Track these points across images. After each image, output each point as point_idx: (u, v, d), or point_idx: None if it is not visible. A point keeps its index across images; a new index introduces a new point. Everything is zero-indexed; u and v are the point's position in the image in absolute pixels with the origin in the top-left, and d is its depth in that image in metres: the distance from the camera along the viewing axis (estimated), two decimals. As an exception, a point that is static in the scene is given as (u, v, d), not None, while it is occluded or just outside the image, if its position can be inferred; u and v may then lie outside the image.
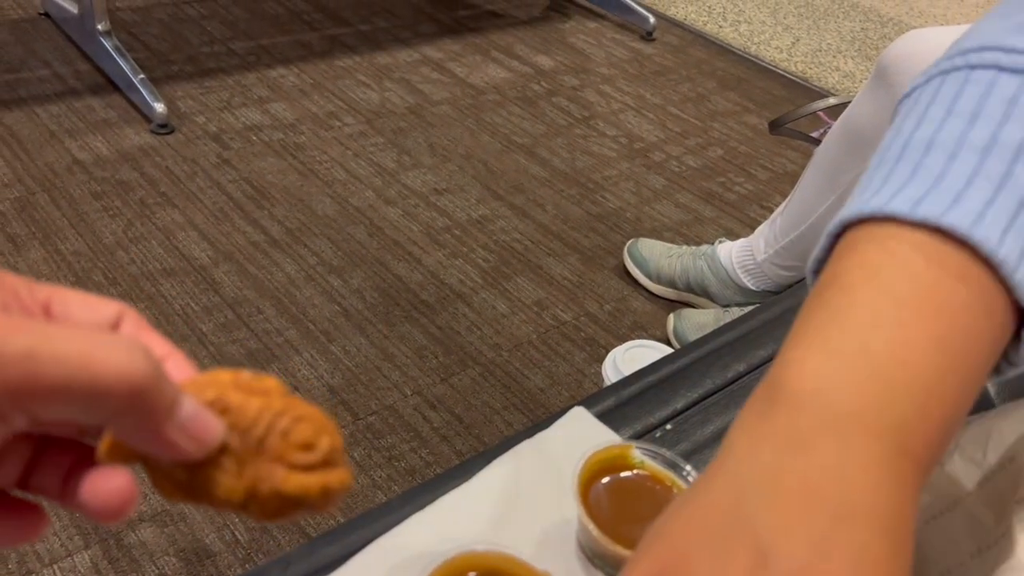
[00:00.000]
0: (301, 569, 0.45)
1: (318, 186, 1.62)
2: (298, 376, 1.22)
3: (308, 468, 0.25)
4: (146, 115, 1.69)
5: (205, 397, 0.24)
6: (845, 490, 0.25)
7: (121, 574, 0.94)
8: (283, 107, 1.83)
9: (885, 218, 0.30)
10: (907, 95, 0.37)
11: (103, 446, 0.23)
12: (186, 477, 0.24)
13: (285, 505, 0.25)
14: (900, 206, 0.29)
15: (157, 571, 0.95)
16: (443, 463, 1.14)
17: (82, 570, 0.94)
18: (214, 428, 0.24)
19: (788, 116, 1.45)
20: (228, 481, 0.24)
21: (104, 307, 0.26)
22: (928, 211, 0.29)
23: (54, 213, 1.43)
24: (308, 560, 0.46)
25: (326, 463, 0.26)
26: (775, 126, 1.47)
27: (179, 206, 1.50)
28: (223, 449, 0.24)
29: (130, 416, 0.21)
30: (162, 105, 1.67)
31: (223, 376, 0.25)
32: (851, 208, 0.31)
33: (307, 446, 0.25)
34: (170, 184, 1.55)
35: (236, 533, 1.00)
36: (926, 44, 1.09)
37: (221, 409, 0.24)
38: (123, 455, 0.23)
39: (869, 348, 0.27)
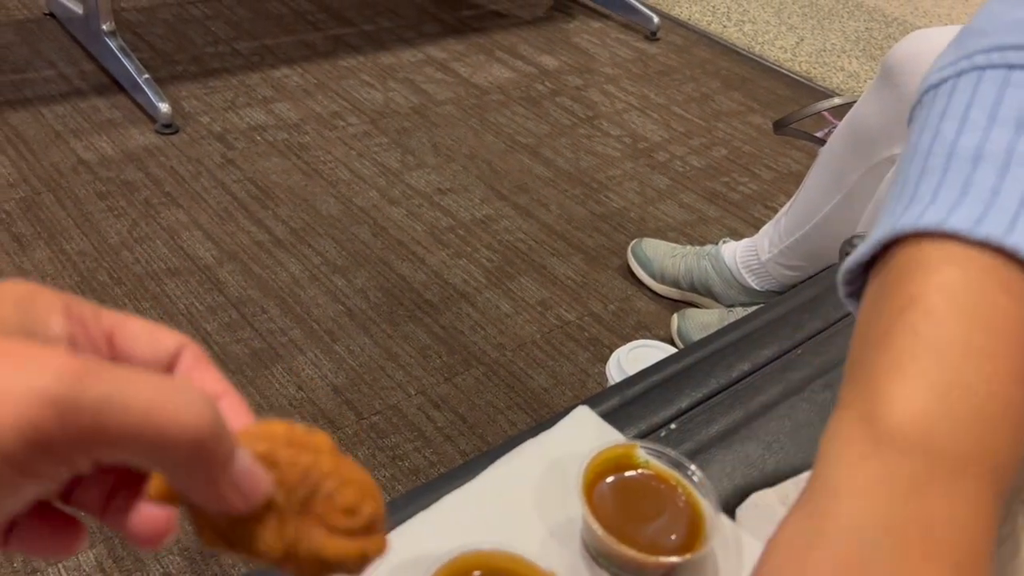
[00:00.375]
0: (306, 568, 0.45)
1: (322, 186, 1.62)
2: (302, 376, 1.22)
3: (349, 533, 0.26)
4: (151, 115, 1.69)
5: (256, 450, 0.24)
6: (962, 539, 0.26)
7: (126, 572, 0.95)
8: (287, 107, 1.83)
9: (944, 235, 0.29)
10: (932, 87, 0.35)
11: (154, 487, 0.23)
12: (228, 527, 0.24)
13: (322, 567, 0.25)
14: (961, 223, 0.29)
15: (161, 570, 0.95)
16: (447, 463, 1.14)
17: (87, 568, 0.94)
18: (263, 484, 0.24)
19: (792, 116, 1.44)
20: (269, 537, 0.24)
21: (166, 339, 0.26)
22: (991, 230, 0.29)
23: (59, 213, 1.43)
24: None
25: (367, 529, 0.26)
26: (779, 126, 1.47)
27: (183, 206, 1.50)
28: (268, 504, 0.24)
29: (187, 467, 0.21)
30: (167, 105, 1.67)
31: (276, 428, 0.25)
32: (904, 219, 0.31)
33: (350, 511, 0.26)
34: (175, 184, 1.55)
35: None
36: (931, 44, 1.09)
37: (270, 463, 0.24)
38: (171, 498, 0.23)
39: (967, 383, 0.28)
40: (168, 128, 1.68)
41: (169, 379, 0.21)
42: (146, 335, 0.25)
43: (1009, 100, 0.32)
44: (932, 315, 0.29)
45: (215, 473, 0.22)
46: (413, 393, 1.23)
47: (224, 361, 1.22)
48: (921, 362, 0.28)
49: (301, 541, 0.25)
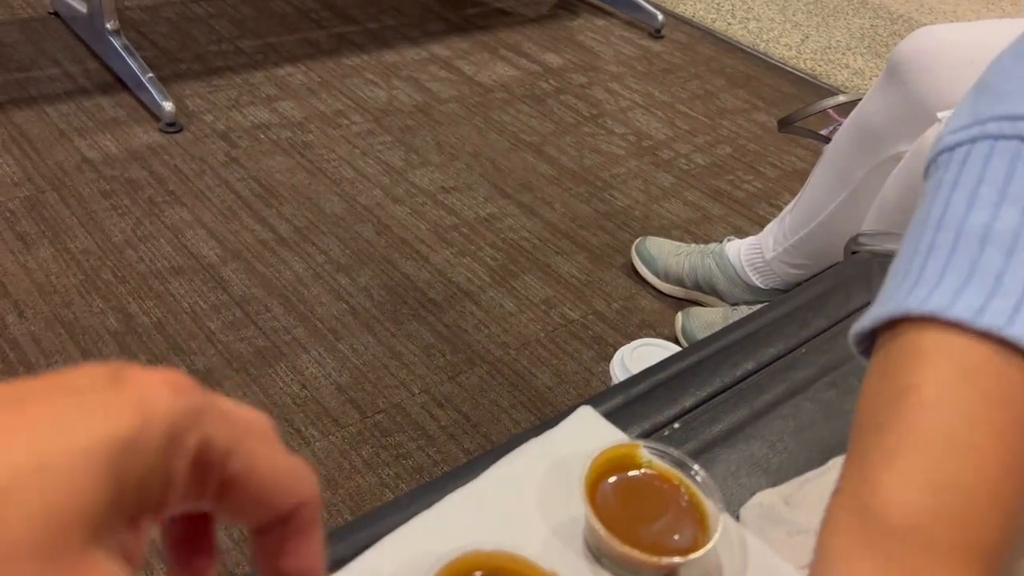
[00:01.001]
0: (307, 567, 0.45)
1: (326, 184, 1.62)
2: (306, 374, 1.22)
3: None
4: (155, 114, 1.69)
5: None
6: None
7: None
8: (291, 105, 1.83)
9: (947, 322, 0.31)
10: (946, 150, 0.36)
11: None
12: None
13: None
14: (963, 312, 0.30)
15: (166, 567, 0.95)
16: (450, 462, 1.14)
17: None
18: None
19: (797, 114, 1.44)
20: None
21: (285, 498, 0.23)
22: (992, 321, 0.30)
23: (63, 212, 1.44)
24: (315, 558, 0.46)
25: None
26: (784, 124, 1.46)
27: (187, 204, 1.50)
28: None
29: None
30: (171, 104, 1.67)
31: None
32: (910, 301, 0.32)
33: None
34: (179, 182, 1.55)
35: (244, 530, 1.00)
36: (938, 41, 1.08)
37: None
38: None
39: (958, 478, 0.29)
40: (172, 126, 1.68)
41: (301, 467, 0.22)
42: (264, 495, 0.21)
43: (1019, 176, 0.32)
44: (927, 408, 0.30)
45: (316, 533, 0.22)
46: (417, 392, 1.23)
47: (228, 360, 1.22)
48: (913, 455, 0.30)
49: None
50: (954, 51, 1.05)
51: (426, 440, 1.16)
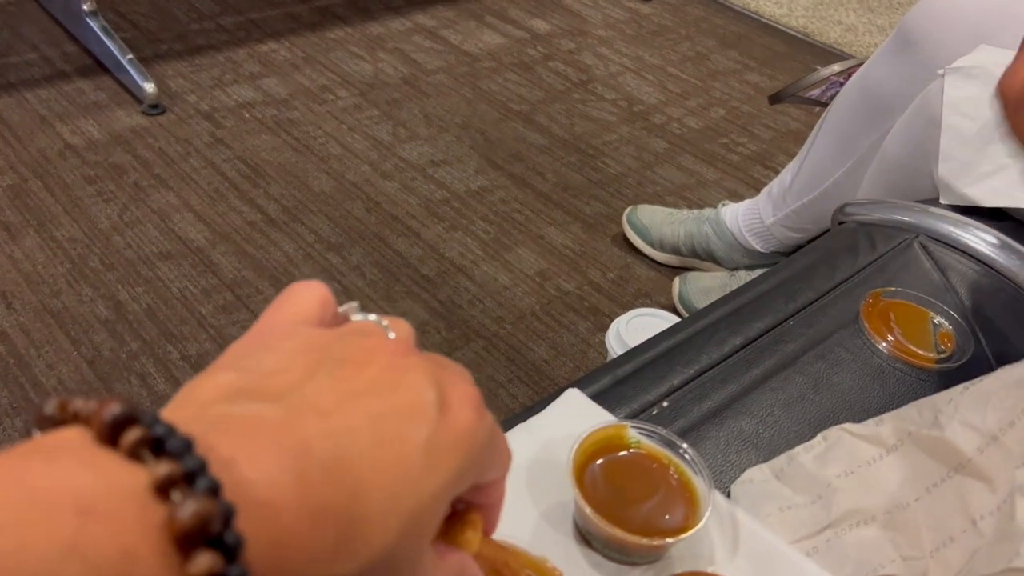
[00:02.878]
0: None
1: (313, 162, 1.60)
2: (299, 356, 1.21)
3: None
4: (136, 96, 1.67)
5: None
6: None
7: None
8: (275, 82, 1.80)
9: None
10: None
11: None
12: None
13: None
14: None
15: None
16: (447, 439, 1.13)
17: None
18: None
19: (787, 91, 1.40)
20: None
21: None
22: None
23: (48, 199, 1.42)
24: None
25: None
26: (775, 100, 1.42)
27: (174, 188, 1.49)
28: None
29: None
30: (152, 85, 1.64)
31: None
32: None
33: None
34: (164, 166, 1.53)
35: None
36: (948, 7, 1.05)
37: None
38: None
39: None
40: (155, 108, 1.65)
41: None
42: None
43: None
44: None
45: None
46: (411, 370, 1.22)
47: (222, 345, 1.21)
48: None
49: None
50: (965, 17, 1.02)
51: (422, 418, 1.15)
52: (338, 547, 0.18)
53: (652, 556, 0.49)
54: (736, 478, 0.52)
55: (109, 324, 1.21)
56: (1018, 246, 0.70)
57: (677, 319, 1.16)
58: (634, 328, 1.12)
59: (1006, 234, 0.71)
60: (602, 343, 1.31)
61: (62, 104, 1.64)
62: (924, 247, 0.70)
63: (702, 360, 0.56)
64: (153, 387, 1.14)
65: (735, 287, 1.16)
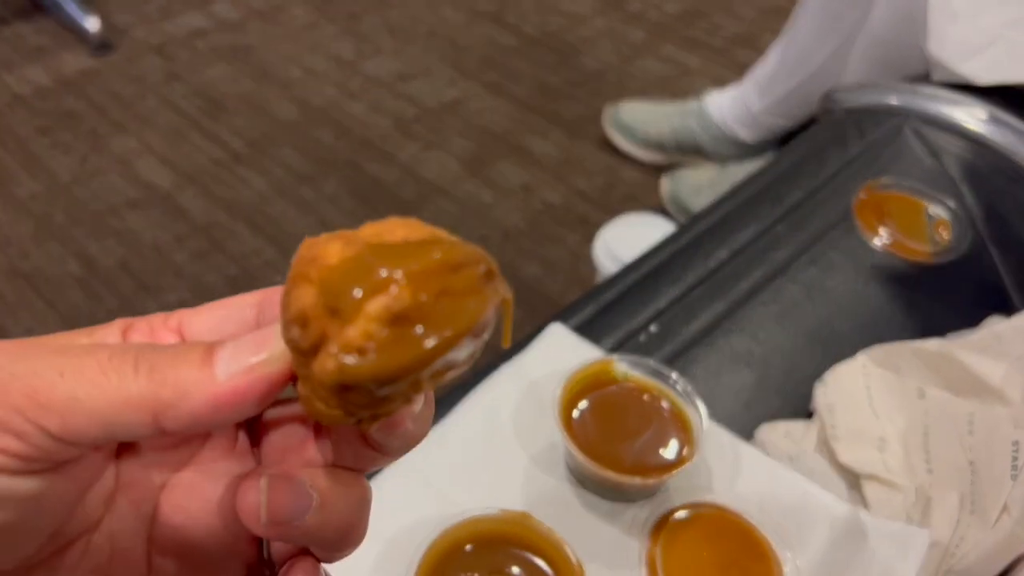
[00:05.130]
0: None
1: (275, 90, 1.51)
2: (283, 296, 1.18)
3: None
4: (81, 35, 1.57)
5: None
6: None
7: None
8: (226, 7, 1.69)
9: None
10: None
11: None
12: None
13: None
14: None
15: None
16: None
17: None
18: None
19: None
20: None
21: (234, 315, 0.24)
22: None
23: (2, 156, 1.35)
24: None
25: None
26: None
27: (132, 131, 1.41)
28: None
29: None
30: (96, 20, 1.54)
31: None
32: None
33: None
34: (119, 109, 1.45)
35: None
36: None
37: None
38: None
39: None
40: (103, 48, 1.56)
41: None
42: (215, 317, 0.23)
43: None
44: None
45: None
46: (399, 299, 1.19)
47: (200, 293, 1.18)
48: None
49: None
50: None
51: (415, 348, 1.13)
52: None
53: (648, 492, 0.47)
54: (730, 401, 0.50)
55: (83, 282, 1.18)
56: (1014, 120, 0.65)
57: (661, 220, 1.12)
58: (622, 239, 1.08)
59: (999, 108, 0.66)
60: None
61: (3, 51, 1.54)
62: (916, 131, 0.65)
63: (688, 277, 0.53)
64: (137, 343, 1.11)
65: (726, 183, 1.11)
